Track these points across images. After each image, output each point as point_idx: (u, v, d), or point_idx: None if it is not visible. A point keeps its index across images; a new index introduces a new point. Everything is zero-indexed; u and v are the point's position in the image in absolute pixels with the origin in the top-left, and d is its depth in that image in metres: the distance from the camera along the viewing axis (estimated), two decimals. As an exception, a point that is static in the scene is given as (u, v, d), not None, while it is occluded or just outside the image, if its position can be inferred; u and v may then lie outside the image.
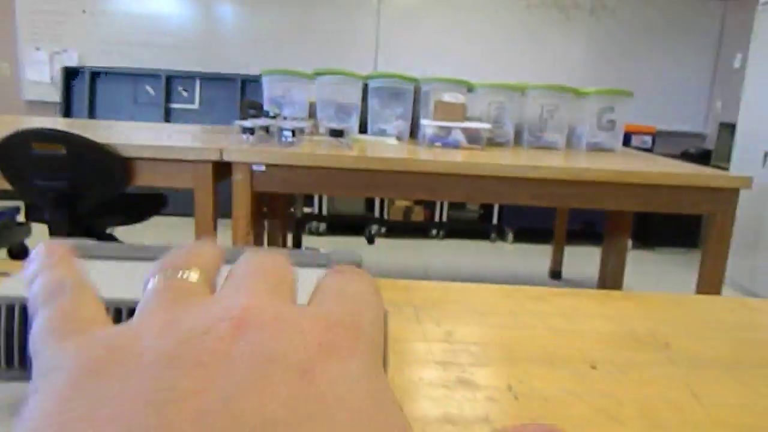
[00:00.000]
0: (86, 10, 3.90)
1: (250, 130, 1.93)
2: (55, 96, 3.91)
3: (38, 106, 3.94)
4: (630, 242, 3.00)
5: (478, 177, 1.82)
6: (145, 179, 1.81)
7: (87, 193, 1.73)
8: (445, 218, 3.88)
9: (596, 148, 2.38)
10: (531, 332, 0.57)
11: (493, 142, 2.34)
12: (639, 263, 3.43)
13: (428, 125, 2.19)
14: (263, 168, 1.80)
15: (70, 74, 3.93)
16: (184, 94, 4.07)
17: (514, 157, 2.06)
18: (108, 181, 1.74)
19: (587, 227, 3.54)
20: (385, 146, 2.12)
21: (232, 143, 1.89)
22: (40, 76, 3.93)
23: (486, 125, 2.18)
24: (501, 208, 3.86)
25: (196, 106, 4.07)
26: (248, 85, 4.01)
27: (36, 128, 1.69)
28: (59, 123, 2.44)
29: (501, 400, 0.45)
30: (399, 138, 2.35)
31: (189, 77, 4.06)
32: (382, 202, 3.80)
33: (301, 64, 2.81)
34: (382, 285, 0.56)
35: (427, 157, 1.89)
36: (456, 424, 0.41)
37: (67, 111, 3.91)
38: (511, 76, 3.09)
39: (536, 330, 0.57)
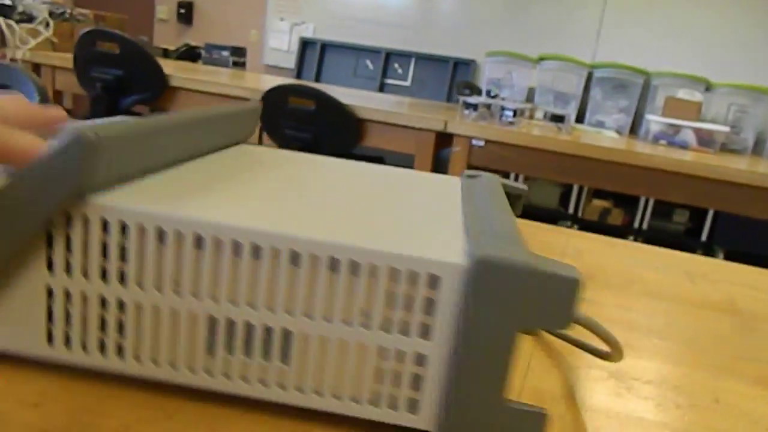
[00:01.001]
0: (326, -14, 4.29)
1: (474, 106, 2.01)
2: (290, 63, 4.38)
3: (275, 71, 4.44)
4: None
5: (707, 180, 1.70)
6: (372, 141, 1.98)
7: (325, 146, 1.94)
8: (645, 226, 3.64)
9: None
10: None
11: (726, 149, 2.15)
12: None
13: (655, 121, 2.08)
14: (482, 143, 1.87)
15: (305, 44, 4.36)
16: (399, 71, 4.29)
17: (752, 165, 1.88)
18: (344, 137, 1.94)
19: (820, 261, 3.07)
20: (604, 138, 2.06)
21: (455, 117, 1.98)
22: (280, 44, 4.42)
23: (723, 128, 2.01)
24: (713, 224, 3.51)
25: (408, 83, 4.27)
26: (459, 67, 4.11)
27: (293, 84, 1.93)
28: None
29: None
30: (619, 132, 2.26)
31: (405, 55, 4.27)
32: (578, 198, 3.68)
33: (516, 50, 2.81)
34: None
35: (652, 152, 1.81)
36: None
37: (298, 77, 4.35)
38: (760, 78, 2.78)
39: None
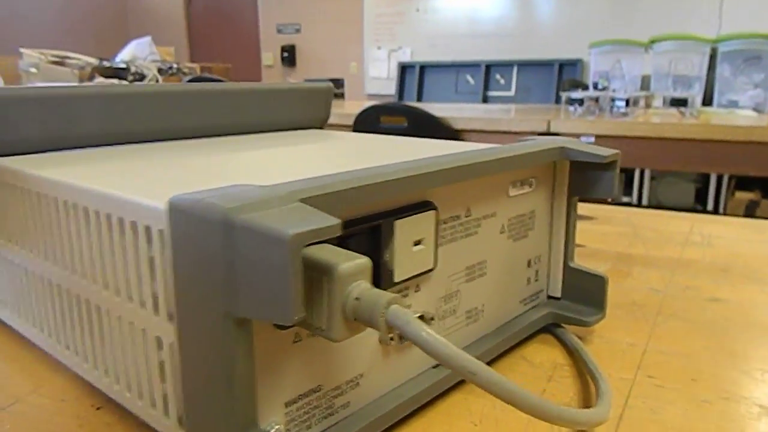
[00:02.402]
0: (419, 8, 4.28)
1: (579, 101, 1.84)
2: (390, 89, 4.40)
3: (377, 98, 4.49)
4: None
5: None
6: (472, 151, 1.88)
7: (422, 162, 1.87)
8: (804, 216, 3.15)
9: None
10: None
11: None
12: None
13: (802, 91, 1.78)
14: (592, 140, 1.69)
15: (404, 69, 4.36)
16: (501, 81, 4.15)
17: None
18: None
19: None
20: (739, 118, 1.80)
21: (559, 116, 1.83)
22: (380, 72, 4.46)
23: None
24: None
25: (512, 92, 4.11)
26: (565, 68, 3.89)
27: (384, 104, 1.89)
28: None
29: None
30: (757, 110, 1.97)
31: (506, 65, 4.12)
32: (717, 193, 3.28)
33: (623, 37, 2.58)
34: None
35: (804, 125, 1.53)
36: None
37: (399, 101, 4.36)
38: None
39: None
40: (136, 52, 2.59)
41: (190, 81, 2.13)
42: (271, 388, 0.19)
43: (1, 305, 0.30)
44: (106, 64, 2.43)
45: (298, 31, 4.80)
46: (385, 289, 0.21)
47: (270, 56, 4.91)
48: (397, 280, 0.22)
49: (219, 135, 0.37)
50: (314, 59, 4.76)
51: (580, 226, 0.53)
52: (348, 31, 4.57)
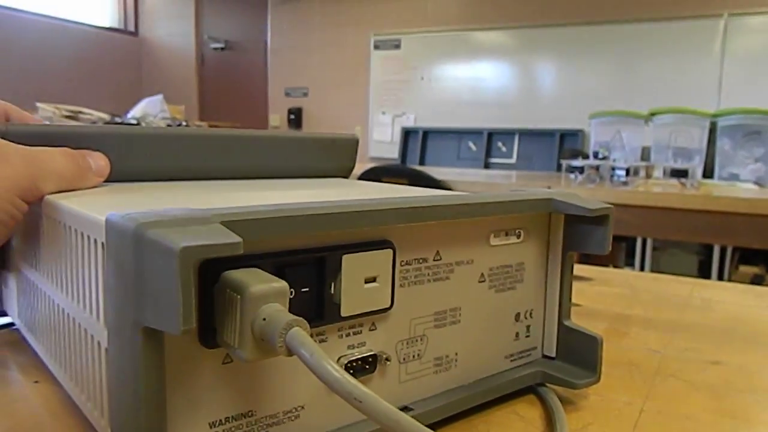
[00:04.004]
0: (423, 77, 4.40)
1: (579, 169, 1.85)
2: (394, 153, 4.46)
3: (380, 162, 4.55)
4: None
5: None
6: (472, 215, 1.88)
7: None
8: (809, 293, 3.10)
9: None
10: None
11: None
12: None
13: (801, 166, 1.79)
14: (593, 207, 1.69)
15: (407, 134, 4.44)
16: (503, 149, 4.21)
17: None
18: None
19: None
20: (741, 191, 1.80)
21: (559, 183, 1.84)
22: (383, 137, 4.54)
23: None
24: None
25: (513, 160, 4.16)
26: (566, 138, 3.95)
27: (385, 165, 1.91)
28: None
29: None
30: (758, 183, 1.97)
31: (508, 133, 4.20)
32: (721, 266, 3.25)
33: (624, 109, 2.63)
34: None
35: (804, 199, 1.53)
36: None
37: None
38: None
39: None
40: (148, 109, 2.65)
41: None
42: (192, 404, 0.19)
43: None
44: (117, 120, 2.48)
45: (305, 94, 4.92)
46: (330, 323, 0.21)
47: (277, 117, 5.01)
48: (344, 314, 0.22)
49: (242, 178, 0.38)
50: (320, 122, 4.85)
51: (577, 286, 0.51)
52: (354, 96, 4.68)
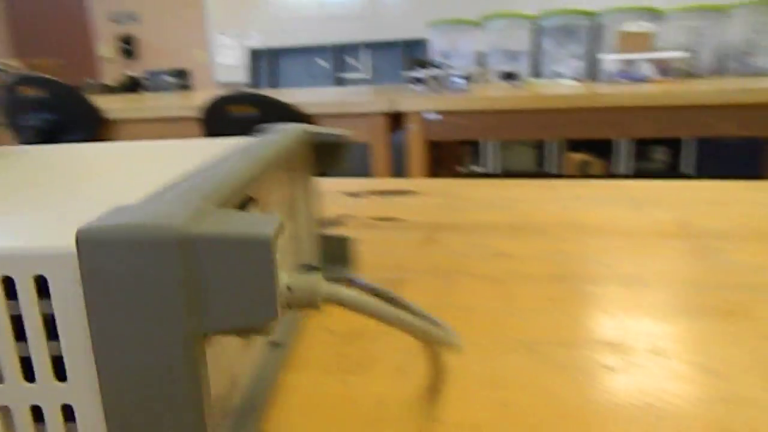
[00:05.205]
0: (264, -7, 4.20)
1: (421, 80, 1.93)
2: (243, 76, 4.28)
3: (229, 87, 4.36)
4: None
5: (673, 108, 1.62)
6: (325, 135, 1.90)
7: (276, 150, 1.86)
8: (627, 171, 3.57)
9: (823, 70, 2.00)
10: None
11: (687, 74, 2.08)
12: None
13: (609, 60, 2.01)
14: (437, 117, 1.79)
15: (255, 55, 4.26)
16: (353, 63, 4.20)
17: (716, 85, 1.80)
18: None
19: (807, 171, 3.02)
20: (562, 87, 1.99)
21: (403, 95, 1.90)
22: (229, 60, 4.32)
23: (679, 53, 1.93)
24: (699, 156, 3.45)
25: (365, 74, 4.18)
26: (412, 48, 4.03)
27: (232, 93, 1.84)
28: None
29: None
30: (576, 79, 2.18)
31: (356, 47, 4.18)
32: (554, 156, 3.60)
33: (461, 17, 2.73)
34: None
35: (610, 91, 1.73)
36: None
37: (255, 88, 4.26)
38: None
39: None
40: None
41: (16, 82, 1.93)
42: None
43: None
44: None
45: (134, 19, 4.49)
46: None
47: (105, 48, 4.55)
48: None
49: None
50: (156, 50, 4.49)
51: (400, 200, 0.57)
52: (190, 18, 4.36)
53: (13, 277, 0.16)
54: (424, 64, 2.49)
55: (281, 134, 0.30)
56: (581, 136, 1.78)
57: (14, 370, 0.16)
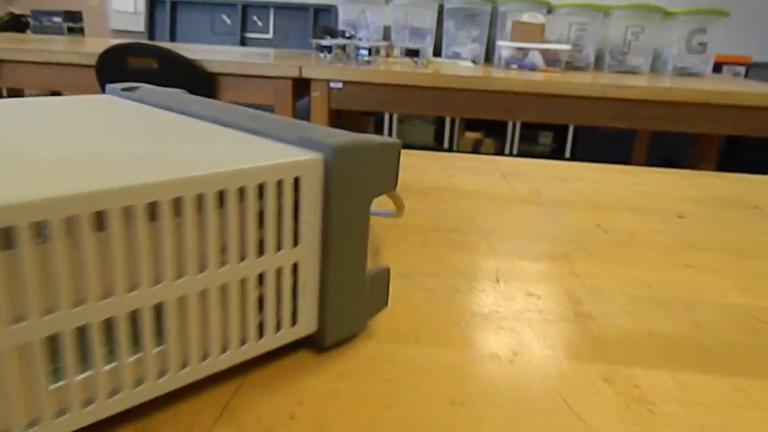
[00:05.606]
0: (166, -61, 3.97)
1: (328, 49, 1.97)
2: (139, 25, 4.06)
3: (124, 35, 4.11)
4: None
5: (556, 96, 1.79)
6: (229, 96, 1.89)
7: (177, 106, 1.83)
8: (515, 151, 3.82)
9: (683, 73, 2.26)
10: (618, 191, 0.59)
11: (572, 66, 2.27)
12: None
13: (505, 47, 2.15)
14: (340, 85, 1.84)
15: (153, 3, 4.05)
16: (259, 23, 4.12)
17: (595, 78, 2.00)
18: (195, 94, 1.83)
19: (667, 163, 3.41)
20: (460, 68, 2.11)
21: (311, 62, 1.93)
22: (125, 6, 4.07)
23: (565, 46, 2.11)
24: (575, 140, 3.76)
25: (270, 35, 4.12)
26: (321, 14, 4.01)
27: (131, 42, 1.78)
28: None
29: (590, 233, 0.48)
30: (474, 61, 2.31)
31: (263, 6, 4.09)
32: (452, 133, 3.78)
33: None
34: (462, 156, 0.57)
35: (503, 76, 1.87)
36: (542, 240, 0.45)
37: (151, 39, 4.05)
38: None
39: (623, 190, 0.59)
40: None
41: None
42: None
43: None
44: None
45: (17, -50, 4.09)
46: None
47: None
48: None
49: None
50: (43, -14, 4.13)
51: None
52: (83, -44, 4.05)
53: (277, 180, 0.23)
54: (333, 33, 2.52)
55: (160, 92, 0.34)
56: (474, 116, 1.91)
57: (271, 245, 0.24)
